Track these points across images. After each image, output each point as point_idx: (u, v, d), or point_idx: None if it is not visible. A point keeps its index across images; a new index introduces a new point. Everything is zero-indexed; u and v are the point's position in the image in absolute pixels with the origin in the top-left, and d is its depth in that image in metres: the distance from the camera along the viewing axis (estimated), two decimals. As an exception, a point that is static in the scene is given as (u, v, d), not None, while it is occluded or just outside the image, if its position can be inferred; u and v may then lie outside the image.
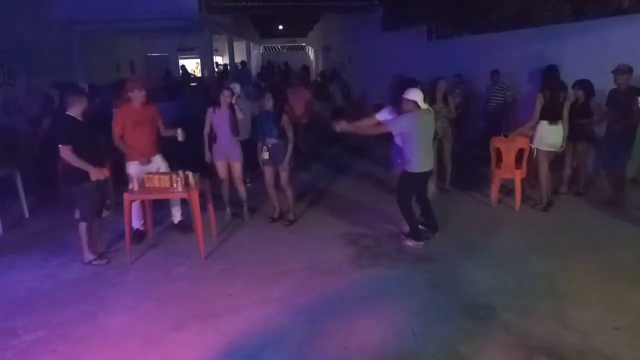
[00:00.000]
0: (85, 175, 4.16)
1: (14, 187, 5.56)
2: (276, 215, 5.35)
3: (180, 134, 4.69)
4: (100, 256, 4.46)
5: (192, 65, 19.85)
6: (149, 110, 4.73)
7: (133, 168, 4.70)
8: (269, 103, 4.98)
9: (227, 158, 5.25)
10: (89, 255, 4.38)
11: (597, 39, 6.49)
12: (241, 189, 5.38)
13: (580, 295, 3.60)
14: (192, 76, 16.72)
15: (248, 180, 6.46)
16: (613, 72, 5.18)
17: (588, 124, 5.34)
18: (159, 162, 4.84)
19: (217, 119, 5.15)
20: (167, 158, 4.95)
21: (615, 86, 5.20)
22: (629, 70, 5.09)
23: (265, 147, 5.02)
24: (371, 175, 7.12)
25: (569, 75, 5.62)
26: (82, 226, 4.32)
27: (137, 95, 4.60)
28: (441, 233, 4.77)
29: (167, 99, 6.80)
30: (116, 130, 4.63)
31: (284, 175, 5.02)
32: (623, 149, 5.17)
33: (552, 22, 7.50)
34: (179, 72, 16.90)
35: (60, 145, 4.05)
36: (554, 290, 3.69)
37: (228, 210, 5.44)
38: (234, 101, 5.22)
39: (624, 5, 6.49)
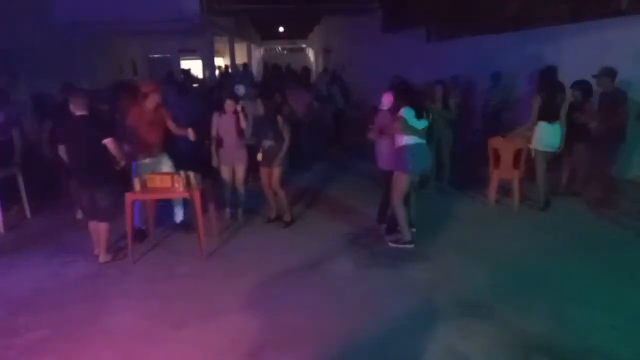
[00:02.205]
0: (111, 174, 4.28)
1: (15, 186, 5.58)
2: (272, 216, 5.38)
3: (191, 134, 4.76)
4: (116, 253, 4.52)
5: (194, 66, 19.82)
6: (158, 112, 4.82)
7: (140, 167, 4.79)
8: (260, 109, 5.15)
9: (232, 162, 5.30)
10: (107, 256, 4.41)
11: (596, 40, 6.52)
12: (241, 191, 5.42)
13: (579, 294, 3.63)
14: (194, 77, 16.73)
15: (250, 180, 6.48)
16: (594, 76, 5.24)
17: (586, 124, 5.37)
18: (164, 161, 4.90)
19: (223, 124, 5.20)
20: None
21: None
22: (607, 72, 5.14)
23: (261, 148, 5.07)
24: (372, 175, 7.13)
25: (567, 76, 5.65)
26: (106, 226, 4.33)
27: (155, 98, 4.70)
28: (440, 233, 4.80)
29: (169, 101, 6.90)
30: (126, 129, 4.73)
31: (274, 177, 5.06)
32: (610, 150, 5.21)
33: (551, 23, 7.53)
34: (181, 73, 16.91)
35: (106, 140, 4.14)
36: (552, 290, 3.71)
37: (228, 210, 5.47)
38: (239, 109, 5.19)
39: (622, 6, 6.52)
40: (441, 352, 2.97)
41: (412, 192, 4.73)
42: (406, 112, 4.30)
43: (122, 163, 4.33)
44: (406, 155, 4.36)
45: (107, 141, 4.16)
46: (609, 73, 5.16)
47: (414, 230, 4.70)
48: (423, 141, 4.42)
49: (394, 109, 4.49)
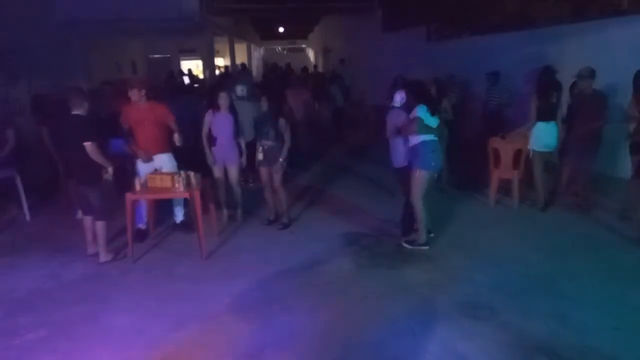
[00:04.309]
0: (102, 173, 4.25)
1: (14, 187, 5.56)
2: (272, 217, 5.35)
3: (177, 139, 4.74)
4: (116, 253, 4.50)
5: (193, 67, 19.79)
6: (155, 109, 4.76)
7: (139, 166, 4.78)
8: (264, 105, 5.09)
9: (224, 161, 5.24)
10: (106, 256, 4.39)
11: (597, 40, 6.52)
12: (237, 191, 5.37)
13: (580, 295, 3.62)
14: (194, 77, 16.72)
15: (250, 181, 6.46)
16: (576, 77, 5.21)
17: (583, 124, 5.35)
18: (163, 161, 4.85)
19: (217, 122, 5.14)
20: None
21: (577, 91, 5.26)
22: (590, 74, 5.10)
23: (261, 148, 5.03)
24: (371, 175, 7.13)
25: (568, 77, 5.63)
26: (103, 225, 4.33)
27: (134, 95, 4.66)
28: (441, 233, 4.78)
29: (169, 100, 6.88)
30: (124, 127, 4.76)
31: (276, 177, 5.05)
32: (589, 152, 5.18)
33: (552, 23, 7.52)
34: (179, 74, 16.88)
35: (86, 143, 4.10)
36: (553, 290, 3.70)
37: (225, 211, 5.43)
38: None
39: (623, 6, 6.51)
40: (441, 353, 2.96)
41: (430, 194, 4.62)
42: (421, 111, 4.25)
43: (110, 170, 4.27)
44: (426, 151, 4.30)
45: (87, 144, 4.10)
46: (593, 75, 5.09)
47: (432, 235, 4.64)
48: (437, 139, 4.39)
49: (407, 107, 4.48)
